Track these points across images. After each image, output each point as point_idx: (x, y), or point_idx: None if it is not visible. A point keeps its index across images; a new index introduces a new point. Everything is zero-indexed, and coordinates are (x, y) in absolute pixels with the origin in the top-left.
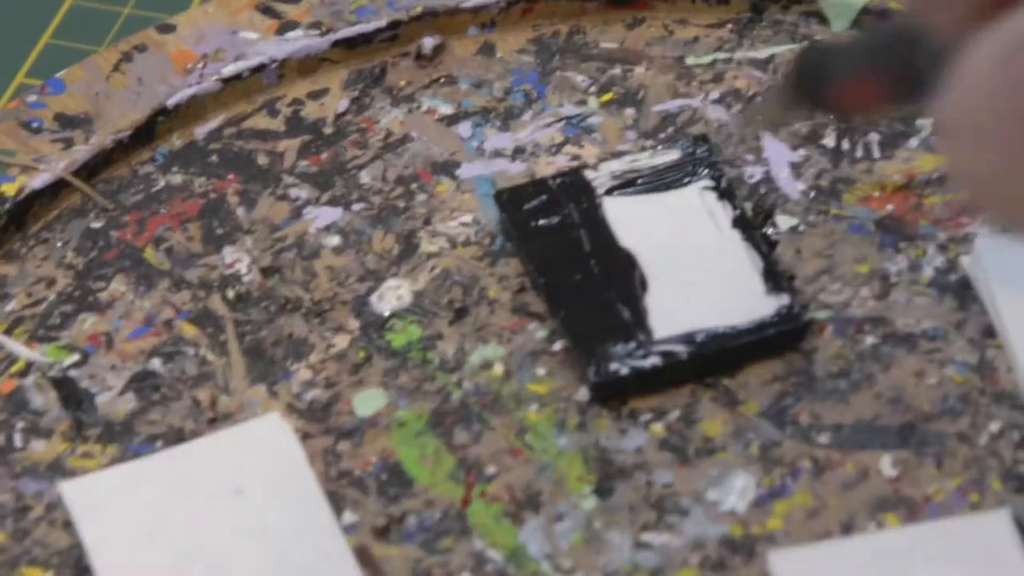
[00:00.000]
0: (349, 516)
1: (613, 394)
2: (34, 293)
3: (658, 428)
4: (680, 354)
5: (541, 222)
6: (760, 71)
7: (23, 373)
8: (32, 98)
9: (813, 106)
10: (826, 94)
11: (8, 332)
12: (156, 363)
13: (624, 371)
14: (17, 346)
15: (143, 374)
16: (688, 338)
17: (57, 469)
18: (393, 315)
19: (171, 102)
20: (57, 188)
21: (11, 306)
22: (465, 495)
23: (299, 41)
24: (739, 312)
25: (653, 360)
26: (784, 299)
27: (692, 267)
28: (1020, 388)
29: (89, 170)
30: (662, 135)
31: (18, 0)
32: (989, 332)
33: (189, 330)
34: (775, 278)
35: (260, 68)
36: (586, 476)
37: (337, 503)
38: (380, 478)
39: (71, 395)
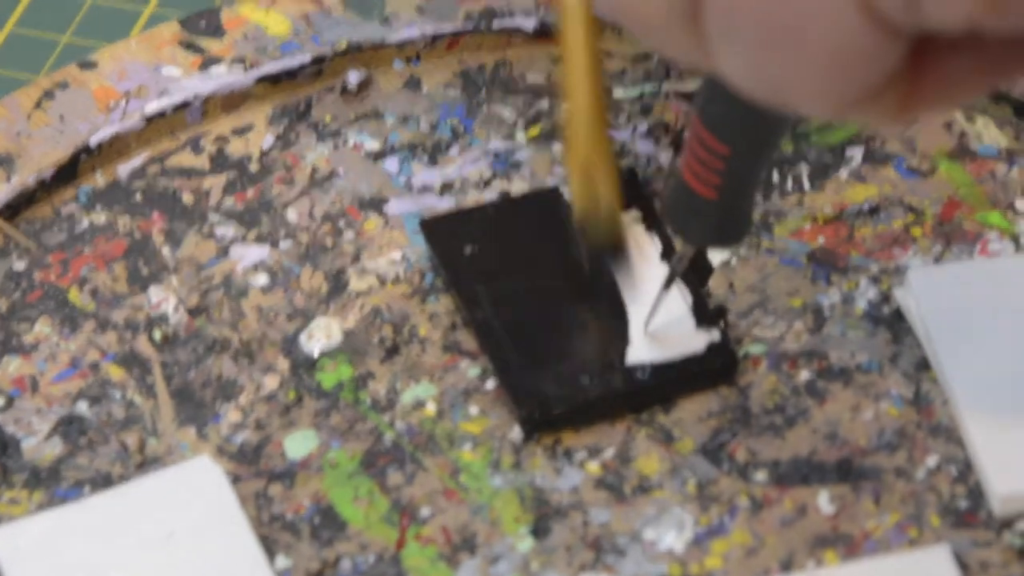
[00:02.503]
0: (282, 561)
1: (545, 429)
2: None
3: (594, 467)
4: (610, 389)
5: (467, 252)
6: (688, 104)
7: None
8: None
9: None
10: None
11: None
12: (83, 406)
13: (554, 407)
14: None
15: (69, 418)
16: (618, 372)
17: None
18: (323, 354)
19: (94, 140)
20: None
21: None
22: (400, 537)
23: (223, 77)
24: (670, 346)
25: (583, 395)
26: (715, 333)
27: (621, 299)
28: (956, 422)
29: (11, 210)
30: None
31: None
32: (924, 365)
33: (116, 372)
34: (706, 312)
35: (184, 105)
36: (522, 516)
37: (270, 547)
38: (313, 521)
39: None
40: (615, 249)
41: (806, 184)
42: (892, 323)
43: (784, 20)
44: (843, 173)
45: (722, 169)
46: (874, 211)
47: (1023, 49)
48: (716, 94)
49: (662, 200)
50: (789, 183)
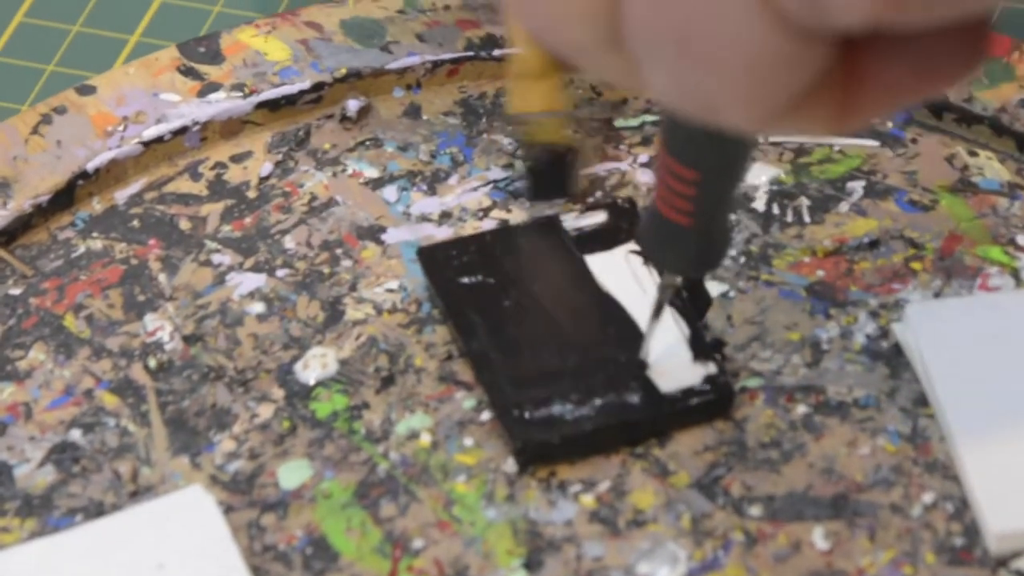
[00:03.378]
0: None
1: (539, 462)
2: None
3: (588, 500)
4: (606, 422)
5: (464, 281)
6: None
7: None
8: None
9: None
10: None
11: None
12: (76, 434)
13: (548, 439)
14: None
15: (63, 446)
16: (614, 406)
17: None
18: (318, 384)
19: (91, 166)
20: None
21: None
22: (392, 569)
23: (221, 103)
24: (666, 380)
25: (578, 428)
26: (711, 367)
27: (618, 330)
28: (953, 458)
29: (7, 236)
30: (590, 198)
31: None
32: (921, 400)
33: (110, 400)
34: (702, 345)
35: (182, 131)
36: (515, 549)
37: None
38: (305, 552)
39: None
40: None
41: (806, 217)
42: (890, 358)
43: (696, 33)
44: (843, 206)
45: (693, 195)
46: (874, 245)
47: (961, 51)
48: (677, 120)
49: (639, 233)
50: (789, 215)
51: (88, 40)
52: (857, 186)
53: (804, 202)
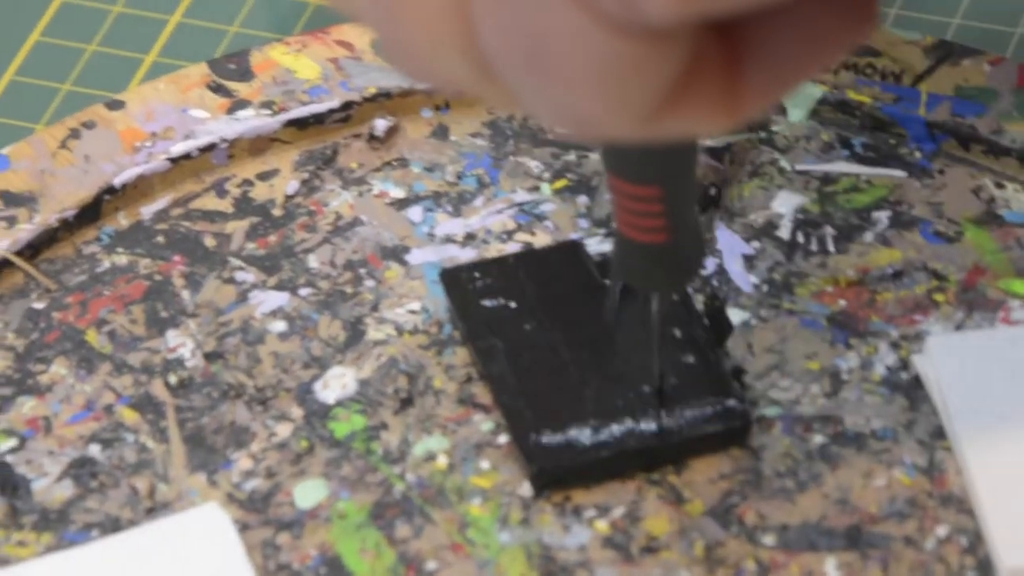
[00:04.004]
0: None
1: (554, 486)
2: None
3: (602, 525)
4: (622, 448)
5: (486, 304)
6: (716, 160)
7: None
8: None
9: None
10: None
11: None
12: (95, 449)
13: (564, 464)
14: None
15: (81, 460)
16: (631, 432)
17: None
18: (337, 403)
19: (118, 181)
20: None
21: None
22: None
23: (250, 121)
24: (684, 407)
25: (594, 453)
26: (730, 395)
27: (639, 357)
28: (968, 492)
29: (33, 249)
30: (614, 224)
31: None
32: (939, 433)
33: (130, 416)
34: (721, 373)
35: (210, 148)
36: (528, 573)
37: None
38: (319, 572)
39: (6, 481)
40: None
41: (831, 246)
42: (910, 390)
43: (540, 50)
44: (868, 236)
45: (662, 210)
46: (897, 275)
47: (846, 16)
48: (620, 144)
49: (614, 265)
50: (814, 244)
51: (104, 60)
52: (883, 216)
53: (829, 231)
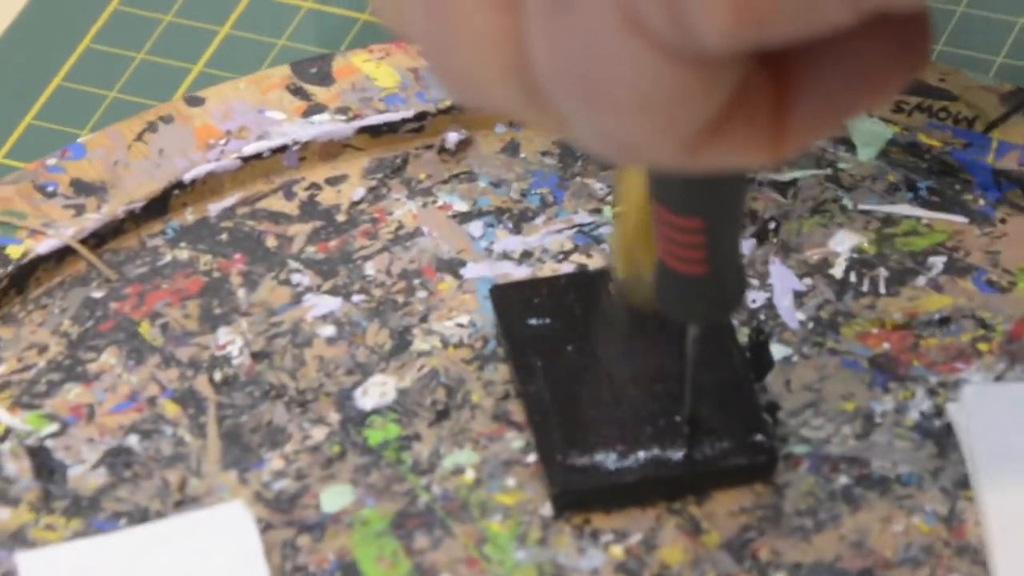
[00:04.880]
0: None
1: (576, 508)
2: (25, 359)
3: (617, 550)
4: (646, 475)
5: (532, 322)
6: (779, 194)
7: (1, 439)
8: (52, 161)
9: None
10: None
11: None
12: (133, 440)
13: (585, 487)
14: None
15: (118, 450)
16: (656, 460)
17: (19, 539)
18: (374, 411)
19: (188, 176)
20: (63, 254)
21: (0, 370)
22: None
23: (324, 125)
24: (712, 439)
25: (617, 479)
26: (760, 431)
27: (674, 386)
28: (984, 543)
29: (98, 238)
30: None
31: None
32: (964, 483)
33: (171, 409)
34: (754, 407)
35: (282, 149)
36: None
37: None
38: None
39: (44, 465)
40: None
41: (882, 288)
42: (941, 437)
43: (591, 76)
44: (921, 280)
45: (702, 242)
46: (944, 322)
47: (897, 53)
48: (666, 174)
49: (656, 295)
50: (865, 285)
51: (151, 68)
52: (938, 261)
53: (882, 273)
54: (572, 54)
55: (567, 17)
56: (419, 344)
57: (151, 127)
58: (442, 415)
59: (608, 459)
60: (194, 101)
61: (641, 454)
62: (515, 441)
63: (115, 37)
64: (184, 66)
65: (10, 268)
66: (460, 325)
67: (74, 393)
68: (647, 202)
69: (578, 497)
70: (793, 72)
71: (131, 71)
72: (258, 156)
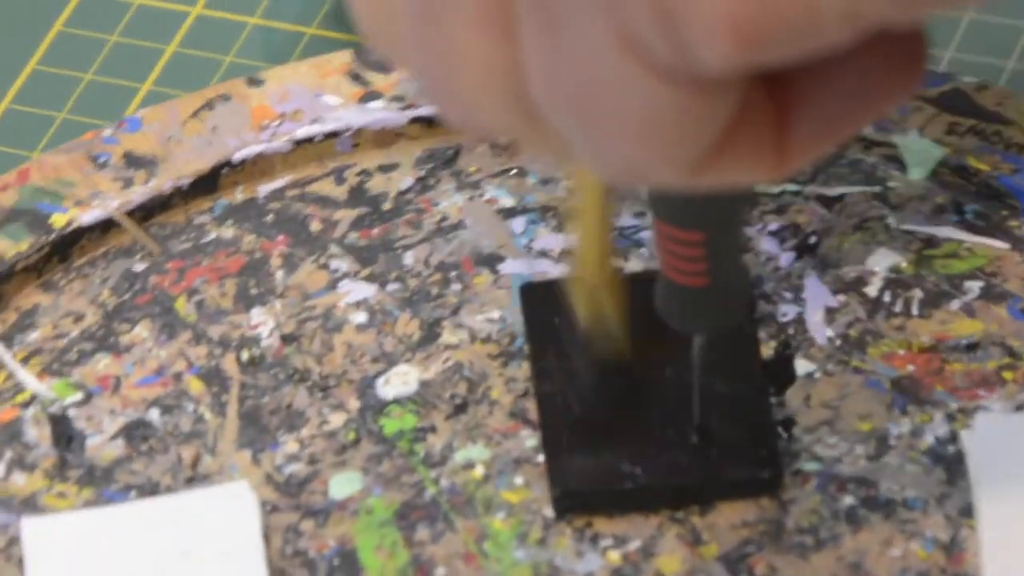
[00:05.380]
0: None
1: (577, 510)
2: (60, 326)
3: (614, 556)
4: (648, 483)
5: (556, 321)
6: (826, 208)
7: (26, 404)
8: (107, 132)
9: None
10: None
11: (25, 361)
12: (154, 414)
13: (586, 490)
14: (28, 377)
15: (138, 423)
16: (661, 467)
17: (30, 504)
18: (394, 401)
19: (237, 156)
20: (109, 225)
21: (34, 336)
22: None
23: (378, 112)
24: (720, 451)
25: (620, 484)
26: (768, 445)
27: (689, 395)
28: (980, 573)
29: (146, 211)
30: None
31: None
32: (969, 511)
33: (196, 386)
34: (765, 421)
35: (335, 135)
36: None
37: None
38: (332, 562)
39: (63, 433)
40: (619, 359)
41: (914, 310)
42: (952, 464)
43: (590, 99)
44: (954, 304)
45: (703, 255)
46: (972, 348)
47: (897, 67)
48: (665, 190)
49: (658, 304)
50: (898, 306)
51: (99, 88)
52: (975, 286)
53: (917, 294)
54: (569, 78)
55: (561, 41)
56: (447, 337)
57: (208, 104)
58: (460, 409)
59: (612, 464)
60: (254, 82)
61: (646, 461)
62: (529, 440)
63: (61, 59)
64: (132, 85)
65: (52, 236)
66: (490, 320)
67: (103, 364)
68: (605, 243)
69: (578, 500)
70: (793, 88)
71: (79, 92)
72: (310, 140)
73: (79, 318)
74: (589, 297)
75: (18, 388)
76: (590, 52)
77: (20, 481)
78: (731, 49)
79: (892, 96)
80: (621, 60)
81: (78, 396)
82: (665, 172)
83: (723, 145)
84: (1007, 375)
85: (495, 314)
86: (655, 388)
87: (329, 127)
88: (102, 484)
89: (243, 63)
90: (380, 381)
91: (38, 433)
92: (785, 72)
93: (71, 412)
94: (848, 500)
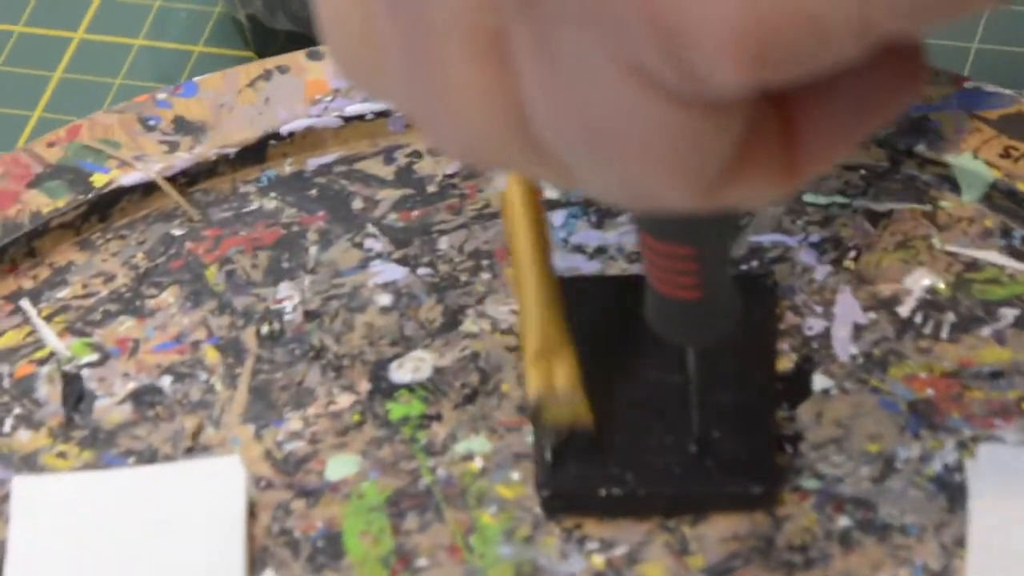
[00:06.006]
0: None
1: (565, 511)
2: (90, 286)
3: (598, 560)
4: (638, 488)
5: (574, 319)
6: (871, 224)
7: (43, 361)
8: (162, 96)
9: None
10: None
11: (49, 318)
12: (166, 381)
13: (575, 491)
14: (49, 334)
15: (149, 388)
16: (653, 474)
17: (29, 462)
18: (404, 386)
19: (285, 129)
20: (152, 189)
21: (64, 293)
22: None
23: None
24: (715, 461)
25: (608, 488)
26: (764, 459)
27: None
28: None
29: (190, 177)
30: (744, 266)
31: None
32: (964, 541)
33: (212, 356)
34: (765, 434)
35: (387, 113)
36: None
37: (264, 560)
38: (316, 544)
39: (73, 393)
40: (574, 428)
41: (944, 333)
42: (955, 492)
43: (599, 127)
44: (986, 330)
45: (696, 268)
46: (996, 376)
47: (897, 78)
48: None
49: (648, 317)
50: (928, 328)
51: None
52: (1010, 313)
53: (949, 317)
54: (572, 107)
55: (562, 69)
56: (469, 325)
57: (266, 75)
58: (469, 399)
59: (603, 469)
60: (315, 55)
61: (638, 469)
62: (532, 436)
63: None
64: (22, 113)
65: (91, 196)
66: (514, 312)
67: (125, 326)
68: (548, 312)
69: (567, 502)
70: (798, 102)
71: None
72: (361, 117)
73: (110, 279)
74: (538, 368)
75: (38, 345)
76: (592, 80)
77: (24, 438)
78: (740, 70)
79: (897, 102)
80: (625, 86)
81: (94, 357)
82: (678, 195)
83: (735, 164)
84: None
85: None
86: (658, 393)
87: (381, 106)
88: (103, 448)
89: (132, 84)
90: (394, 365)
91: (49, 391)
92: (791, 87)
93: (85, 372)
94: (844, 521)
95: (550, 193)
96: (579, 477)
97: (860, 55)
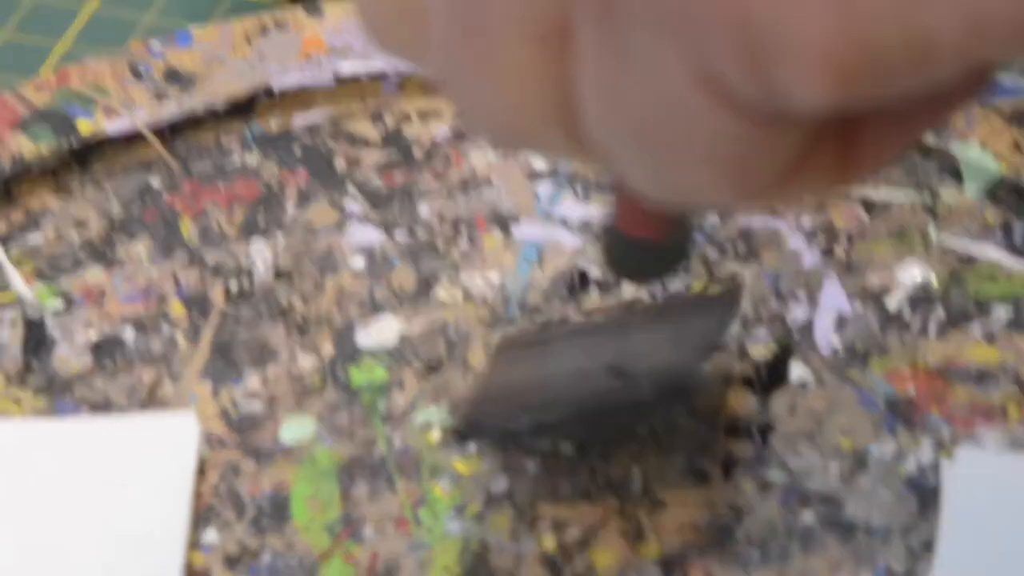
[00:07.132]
0: (211, 535)
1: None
2: (63, 232)
3: (549, 542)
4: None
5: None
6: (867, 212)
7: (7, 306)
8: (156, 46)
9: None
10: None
11: (19, 263)
12: (128, 332)
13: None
14: (16, 278)
15: (111, 339)
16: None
17: None
18: (368, 352)
19: (275, 85)
20: (134, 138)
21: (36, 238)
22: (328, 549)
23: None
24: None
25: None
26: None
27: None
28: None
29: (174, 128)
30: (730, 248)
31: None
32: (932, 544)
33: (178, 310)
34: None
35: (381, 76)
36: (453, 568)
37: (209, 519)
38: (260, 506)
39: (34, 339)
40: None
41: (932, 329)
42: (926, 494)
43: (656, 130)
44: (976, 329)
45: (666, 215)
46: (981, 377)
47: (967, 85)
48: None
49: (607, 258)
50: (916, 323)
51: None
52: (1002, 312)
53: (939, 314)
54: (632, 104)
55: (629, 67)
56: (441, 293)
57: (263, 31)
58: (433, 369)
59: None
60: (314, 11)
61: (561, 398)
62: None
63: None
64: (44, 46)
65: (72, 140)
66: (489, 283)
67: (92, 275)
68: None
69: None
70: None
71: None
72: (355, 79)
73: (83, 226)
74: None
75: (3, 287)
76: (659, 85)
77: None
78: (827, 89)
79: (962, 99)
80: (694, 94)
81: (59, 305)
82: (730, 197)
83: (791, 168)
84: (1011, 409)
85: (496, 277)
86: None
87: (375, 67)
88: (59, 397)
89: (162, 23)
90: (360, 329)
91: (11, 335)
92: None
93: (48, 320)
94: (807, 518)
95: (539, 164)
96: (494, 413)
97: (955, 79)
